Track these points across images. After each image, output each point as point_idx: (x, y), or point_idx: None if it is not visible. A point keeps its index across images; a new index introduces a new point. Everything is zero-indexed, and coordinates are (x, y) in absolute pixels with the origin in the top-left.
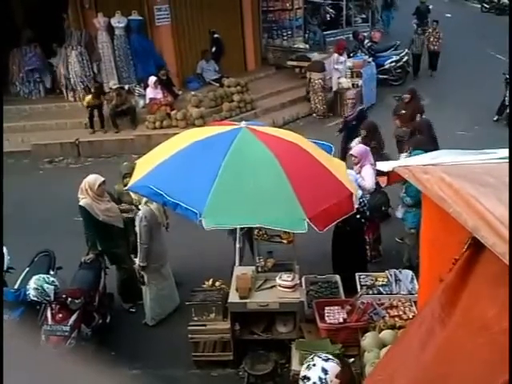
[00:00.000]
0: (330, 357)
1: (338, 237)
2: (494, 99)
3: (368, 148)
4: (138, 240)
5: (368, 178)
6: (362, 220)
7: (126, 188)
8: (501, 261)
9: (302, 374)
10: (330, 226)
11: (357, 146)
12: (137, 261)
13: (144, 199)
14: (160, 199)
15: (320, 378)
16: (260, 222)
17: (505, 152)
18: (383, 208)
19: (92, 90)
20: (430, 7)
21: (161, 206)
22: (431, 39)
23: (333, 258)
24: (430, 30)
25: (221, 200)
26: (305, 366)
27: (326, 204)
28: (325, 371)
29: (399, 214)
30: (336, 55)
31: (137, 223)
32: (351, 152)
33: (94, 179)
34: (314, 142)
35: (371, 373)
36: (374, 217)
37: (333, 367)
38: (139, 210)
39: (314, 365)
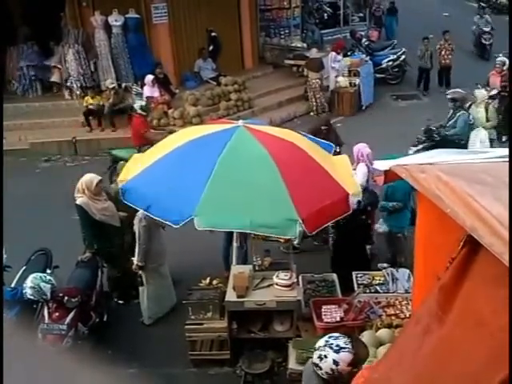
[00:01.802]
0: (342, 345)
1: (340, 235)
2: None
3: (367, 148)
4: (137, 240)
5: (359, 175)
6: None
7: (120, 186)
8: (497, 259)
9: (315, 361)
10: (321, 227)
11: (358, 145)
12: (134, 260)
13: None
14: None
15: (332, 369)
16: (252, 227)
17: (501, 151)
18: (368, 208)
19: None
20: None
21: None
22: (443, 52)
23: (333, 256)
24: (442, 42)
25: (214, 199)
26: (317, 353)
27: (320, 204)
28: (336, 363)
29: (380, 227)
30: (334, 54)
31: (136, 223)
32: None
33: (90, 179)
34: (314, 141)
35: (369, 372)
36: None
37: (345, 357)
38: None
39: (325, 356)
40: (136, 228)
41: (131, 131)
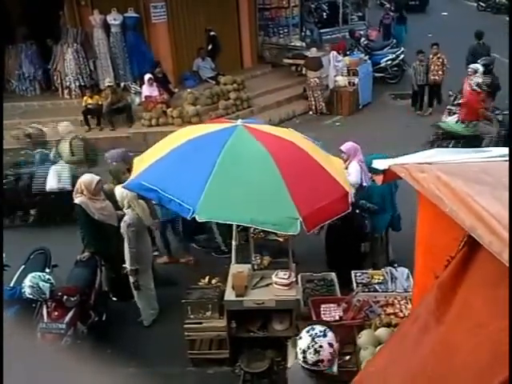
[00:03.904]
0: (321, 328)
1: (333, 233)
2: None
3: (357, 145)
4: (126, 245)
5: (353, 174)
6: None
7: (122, 186)
8: (496, 259)
9: (311, 360)
10: (320, 225)
11: (346, 143)
12: (127, 266)
13: (126, 202)
14: (154, 195)
15: (331, 353)
16: (252, 222)
17: (499, 150)
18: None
19: (88, 93)
20: None
21: (147, 208)
22: (431, 67)
23: (327, 255)
24: (431, 56)
25: (215, 197)
26: (310, 352)
27: (321, 203)
28: (331, 345)
29: None
30: (335, 53)
31: (123, 228)
32: (341, 148)
33: (89, 180)
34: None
35: (365, 366)
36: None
37: (332, 335)
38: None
39: (320, 346)
40: (124, 233)
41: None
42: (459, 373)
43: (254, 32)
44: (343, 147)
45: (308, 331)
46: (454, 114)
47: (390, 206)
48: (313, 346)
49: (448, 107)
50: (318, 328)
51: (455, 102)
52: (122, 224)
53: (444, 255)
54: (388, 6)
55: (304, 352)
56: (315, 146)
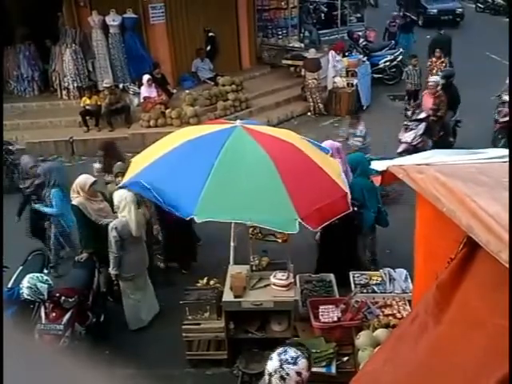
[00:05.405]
0: (295, 354)
1: (328, 236)
2: (491, 100)
3: (338, 143)
4: (109, 248)
5: None
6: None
7: (119, 186)
8: (495, 260)
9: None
10: (324, 224)
11: (328, 141)
12: (110, 269)
13: (122, 204)
14: (151, 195)
15: (297, 382)
16: (252, 219)
17: (496, 152)
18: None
19: (87, 94)
20: None
21: (141, 218)
22: (434, 71)
23: (320, 258)
24: (434, 59)
25: (213, 197)
26: (276, 377)
27: (320, 204)
28: (299, 374)
29: None
30: (333, 54)
31: (109, 231)
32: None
33: (84, 180)
34: (312, 143)
35: (363, 366)
36: None
37: (303, 364)
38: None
39: (287, 374)
40: (109, 237)
41: None
42: (457, 371)
43: (253, 33)
44: (326, 146)
45: (279, 354)
46: (412, 130)
47: (373, 203)
48: (279, 371)
49: (405, 123)
50: (291, 354)
51: (413, 118)
52: (108, 227)
53: (445, 257)
54: (397, 13)
55: (270, 375)
56: (314, 148)
